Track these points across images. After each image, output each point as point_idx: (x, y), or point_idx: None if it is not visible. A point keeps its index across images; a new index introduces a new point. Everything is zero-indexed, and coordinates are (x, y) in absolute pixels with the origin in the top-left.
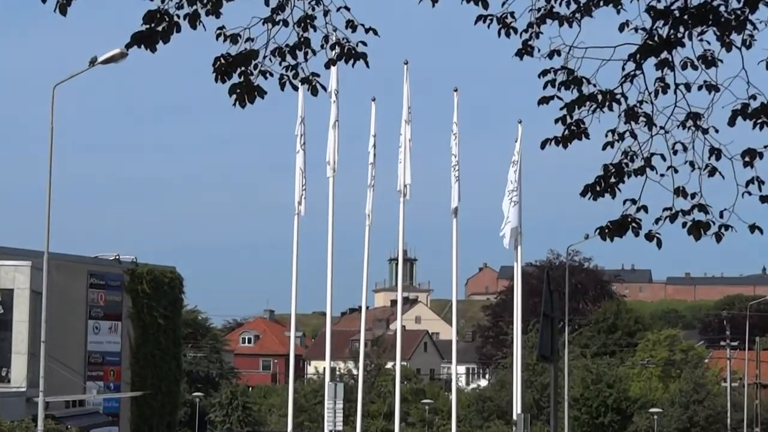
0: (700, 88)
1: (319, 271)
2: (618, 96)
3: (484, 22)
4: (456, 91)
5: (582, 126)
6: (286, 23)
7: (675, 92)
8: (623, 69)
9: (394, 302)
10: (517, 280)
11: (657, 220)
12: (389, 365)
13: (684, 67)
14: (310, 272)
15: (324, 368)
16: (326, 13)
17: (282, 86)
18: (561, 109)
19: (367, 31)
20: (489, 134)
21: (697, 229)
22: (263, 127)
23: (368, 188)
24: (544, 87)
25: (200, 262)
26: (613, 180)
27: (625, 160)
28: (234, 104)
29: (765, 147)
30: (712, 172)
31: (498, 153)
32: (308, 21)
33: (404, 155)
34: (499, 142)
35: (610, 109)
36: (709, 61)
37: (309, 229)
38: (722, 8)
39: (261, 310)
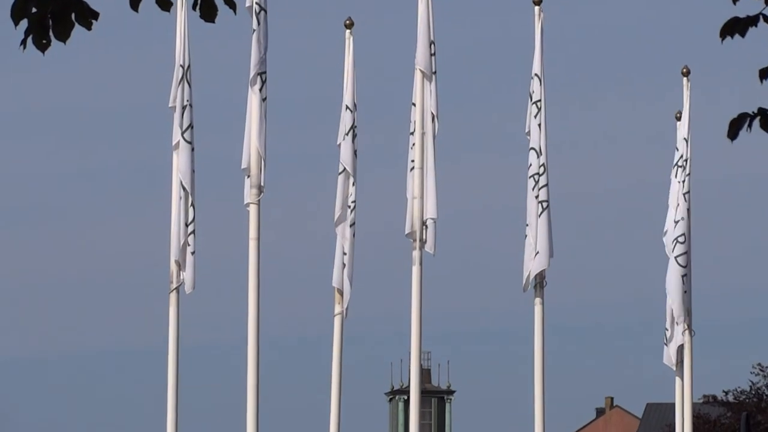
0: None
1: (229, 418)
2: None
3: None
4: (539, 3)
5: None
6: None
7: None
8: None
9: None
10: None
11: None
12: None
13: None
14: (212, 418)
15: None
16: None
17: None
18: None
19: None
20: (602, 100)
21: None
22: (89, 96)
23: (340, 230)
24: None
25: None
26: None
27: None
28: (22, 45)
29: None
30: None
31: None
32: None
33: (422, 153)
34: (630, 118)
35: None
36: None
37: (203, 325)
38: None
39: None
